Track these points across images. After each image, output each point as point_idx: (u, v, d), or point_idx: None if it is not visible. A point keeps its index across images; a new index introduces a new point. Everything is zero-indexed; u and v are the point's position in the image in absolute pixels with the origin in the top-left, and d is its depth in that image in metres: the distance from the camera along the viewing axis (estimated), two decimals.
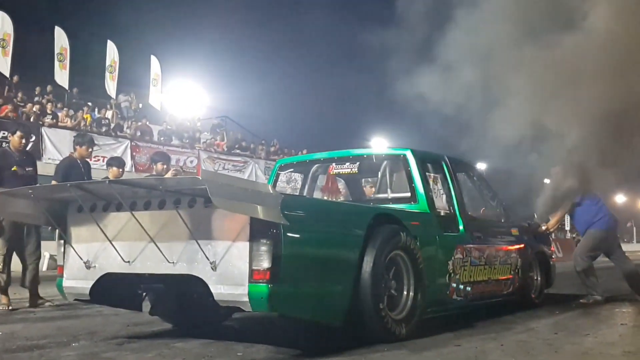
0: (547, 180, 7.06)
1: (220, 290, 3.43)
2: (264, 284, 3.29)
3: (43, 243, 6.97)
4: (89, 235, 3.98)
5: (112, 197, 3.77)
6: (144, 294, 4.53)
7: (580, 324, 4.96)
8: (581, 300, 6.57)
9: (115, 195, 3.61)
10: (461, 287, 5.00)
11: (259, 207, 3.14)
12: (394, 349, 3.81)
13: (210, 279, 3.47)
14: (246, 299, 3.33)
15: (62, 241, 4.20)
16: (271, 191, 3.33)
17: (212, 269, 3.44)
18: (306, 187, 5.77)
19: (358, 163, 5.42)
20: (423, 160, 5.12)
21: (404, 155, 5.09)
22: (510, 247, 5.96)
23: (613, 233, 6.96)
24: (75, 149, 7.15)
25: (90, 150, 7.22)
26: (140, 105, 21.80)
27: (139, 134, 18.96)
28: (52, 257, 13.11)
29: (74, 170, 6.87)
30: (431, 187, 5.02)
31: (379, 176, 5.38)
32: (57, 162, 9.04)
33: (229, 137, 23.22)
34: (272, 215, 3.21)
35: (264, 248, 3.30)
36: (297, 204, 3.65)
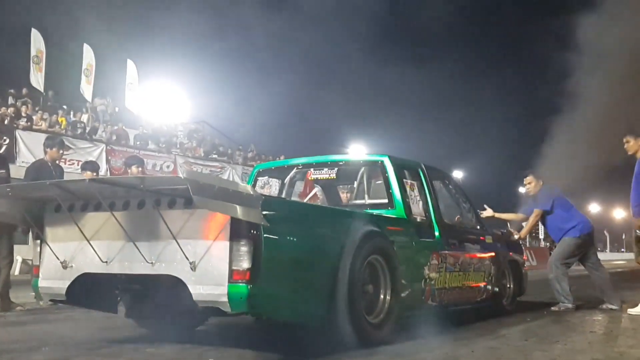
0: (521, 189, 7.19)
1: (199, 291, 3.43)
2: (244, 285, 3.31)
3: (15, 247, 6.89)
4: (66, 235, 3.95)
5: (90, 196, 3.76)
6: (120, 295, 4.50)
7: (551, 331, 5.04)
8: (552, 308, 6.67)
9: (95, 195, 3.60)
10: (436, 292, 5.07)
11: (239, 207, 3.16)
12: (368, 354, 3.84)
13: (189, 280, 3.47)
14: (225, 299, 3.34)
15: (38, 241, 4.16)
16: (252, 192, 3.36)
17: (192, 269, 3.44)
18: (284, 192, 5.80)
19: (336, 169, 5.47)
20: (400, 167, 5.19)
21: (382, 162, 5.16)
22: (484, 255, 6.06)
23: (588, 239, 6.97)
24: (45, 152, 7.05)
25: (61, 152, 7.13)
26: (117, 109, 21.64)
27: (114, 137, 18.78)
28: (24, 261, 12.94)
29: (44, 172, 6.76)
30: (408, 193, 5.08)
31: (357, 182, 5.44)
32: None
33: (206, 142, 23.14)
34: (253, 216, 3.23)
35: (244, 248, 3.32)
36: (278, 206, 3.67)
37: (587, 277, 7.22)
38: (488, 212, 7.01)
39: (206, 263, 3.42)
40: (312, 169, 5.58)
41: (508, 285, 6.68)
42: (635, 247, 6.40)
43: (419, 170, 5.43)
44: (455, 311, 5.61)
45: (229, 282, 3.33)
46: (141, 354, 3.89)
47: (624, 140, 6.40)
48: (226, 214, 3.26)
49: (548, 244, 30.78)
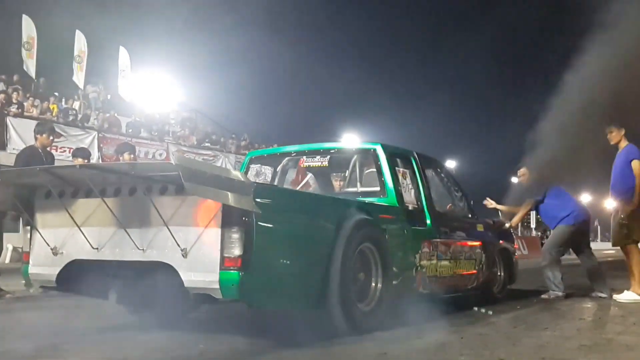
0: (514, 179, 7.20)
1: (190, 278, 3.43)
2: (235, 271, 3.31)
3: (6, 235, 6.88)
4: (56, 221, 3.93)
5: (81, 182, 3.74)
6: (111, 282, 4.49)
7: (540, 319, 5.09)
8: (542, 296, 6.72)
9: (85, 181, 3.58)
10: (427, 280, 5.09)
11: (231, 194, 3.16)
12: (357, 341, 3.86)
13: (180, 266, 3.46)
14: (217, 286, 3.34)
15: (28, 227, 4.14)
16: (244, 179, 3.36)
17: (183, 256, 3.44)
18: (276, 179, 5.79)
19: (329, 157, 5.46)
20: (393, 155, 5.19)
21: (374, 150, 5.16)
22: (475, 243, 6.08)
23: (583, 226, 6.99)
24: (36, 139, 7.01)
25: (51, 138, 7.09)
26: (109, 97, 21.49)
27: (106, 125, 18.69)
28: (15, 249, 12.89)
29: (35, 159, 6.70)
30: (400, 181, 5.10)
31: (349, 170, 5.44)
32: None
33: (199, 130, 23.05)
34: (245, 203, 3.23)
35: (235, 235, 3.31)
36: (270, 193, 3.68)
37: (578, 265, 7.26)
38: (492, 205, 7.06)
39: (197, 250, 3.42)
40: (304, 157, 5.57)
41: (499, 274, 6.72)
42: (618, 233, 6.43)
43: (412, 158, 5.44)
44: (446, 299, 5.64)
45: (221, 269, 3.33)
46: (131, 341, 3.89)
47: (607, 130, 6.45)
48: (218, 201, 3.25)
49: (539, 233, 30.98)
